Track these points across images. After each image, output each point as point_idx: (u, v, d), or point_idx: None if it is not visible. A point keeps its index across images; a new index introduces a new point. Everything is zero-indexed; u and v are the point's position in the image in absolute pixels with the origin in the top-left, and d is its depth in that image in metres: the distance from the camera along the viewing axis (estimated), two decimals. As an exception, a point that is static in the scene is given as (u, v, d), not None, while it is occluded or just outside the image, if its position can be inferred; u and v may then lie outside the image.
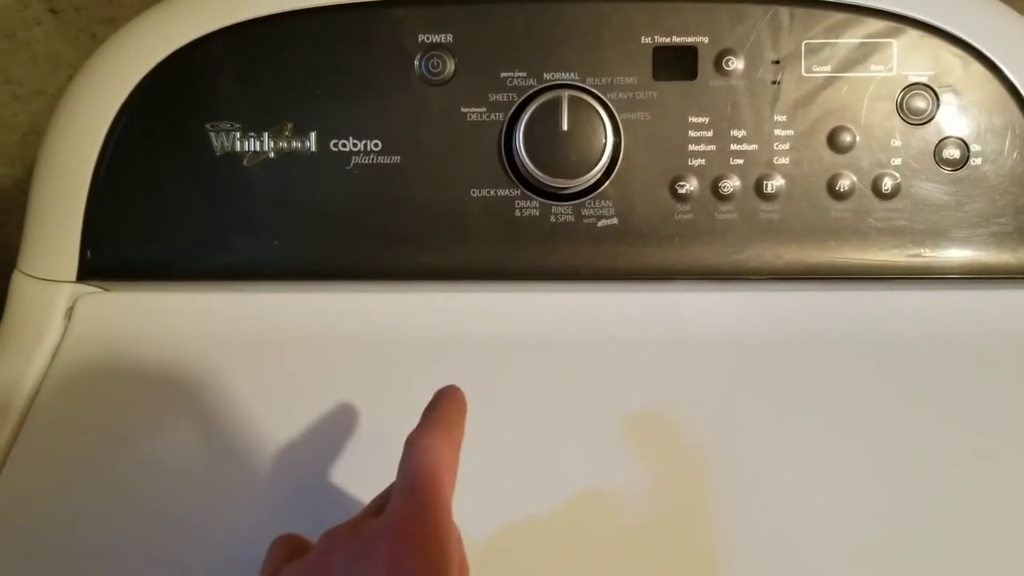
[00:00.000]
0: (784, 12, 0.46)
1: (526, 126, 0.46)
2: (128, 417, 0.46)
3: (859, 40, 0.46)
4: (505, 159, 0.47)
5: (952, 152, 0.46)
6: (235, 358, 0.47)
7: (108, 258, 0.48)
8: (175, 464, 0.44)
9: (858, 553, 0.40)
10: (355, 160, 0.47)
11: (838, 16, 0.46)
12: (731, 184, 0.46)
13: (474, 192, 0.47)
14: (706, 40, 0.46)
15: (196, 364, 0.47)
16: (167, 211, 0.48)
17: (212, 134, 0.47)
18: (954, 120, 0.46)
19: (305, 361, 0.47)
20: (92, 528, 0.42)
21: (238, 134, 0.47)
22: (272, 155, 0.47)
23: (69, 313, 0.49)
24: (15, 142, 0.91)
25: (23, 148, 0.90)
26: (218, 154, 0.47)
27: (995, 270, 0.47)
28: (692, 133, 0.46)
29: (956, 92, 0.46)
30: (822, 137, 0.46)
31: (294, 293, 0.49)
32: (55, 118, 0.49)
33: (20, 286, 0.49)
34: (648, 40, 0.46)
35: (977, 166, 0.46)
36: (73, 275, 0.48)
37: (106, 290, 0.49)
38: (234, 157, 0.47)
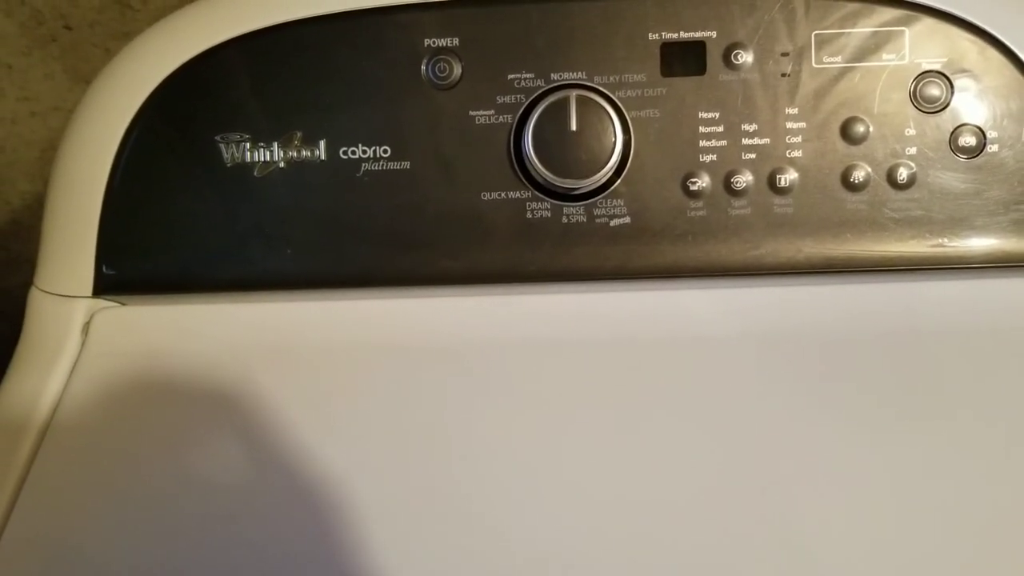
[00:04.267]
0: (793, 3, 0.45)
1: (535, 127, 0.45)
2: (148, 430, 0.46)
3: (871, 29, 0.45)
4: (515, 161, 0.46)
5: (968, 139, 0.45)
6: (254, 368, 0.47)
7: (123, 272, 0.48)
8: (198, 477, 0.44)
9: (889, 554, 0.40)
10: (365, 167, 0.47)
11: (849, 6, 0.45)
12: (744, 179, 0.46)
13: (485, 195, 0.47)
14: (714, 34, 0.46)
15: (215, 376, 0.47)
16: (181, 223, 0.48)
17: (222, 145, 0.47)
18: (969, 107, 0.45)
19: (325, 369, 0.47)
20: (114, 544, 0.42)
21: (248, 144, 0.47)
22: (282, 164, 0.47)
23: (86, 328, 0.49)
24: (35, 158, 0.92)
25: (43, 164, 0.91)
26: (229, 165, 0.47)
27: (1017, 258, 0.46)
28: (703, 129, 0.46)
29: (971, 78, 0.45)
30: (835, 128, 0.46)
31: (310, 302, 0.49)
32: (68, 132, 0.49)
33: (36, 302, 0.50)
34: (655, 36, 0.46)
35: (994, 153, 0.45)
36: (89, 290, 0.48)
37: (122, 304, 0.50)
38: (244, 168, 0.47)
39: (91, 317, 0.49)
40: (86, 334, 0.49)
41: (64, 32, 0.83)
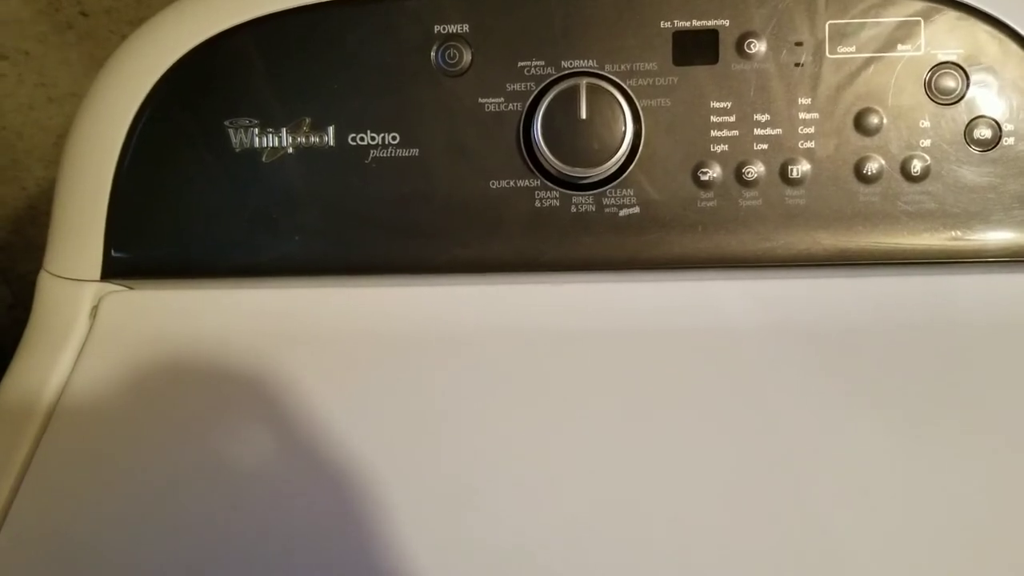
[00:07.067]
0: (808, -8, 0.45)
1: (544, 115, 0.45)
2: (154, 415, 0.46)
3: (887, 20, 0.45)
4: (524, 149, 0.46)
5: (983, 132, 0.45)
6: (261, 355, 0.47)
7: (132, 256, 0.48)
8: (201, 462, 0.44)
9: (905, 545, 0.39)
10: (373, 154, 0.47)
11: (866, -4, 0.45)
12: (755, 170, 0.45)
13: (493, 184, 0.46)
14: (727, 23, 0.45)
15: (222, 362, 0.47)
16: (189, 209, 0.48)
17: (231, 131, 0.47)
18: (985, 99, 0.45)
19: (332, 355, 0.47)
20: (118, 530, 0.42)
21: (256, 130, 0.47)
22: (291, 151, 0.47)
23: (94, 312, 0.49)
24: (51, 144, 0.92)
25: (59, 150, 0.91)
26: (237, 150, 0.47)
27: (1032, 253, 0.45)
28: (714, 118, 0.45)
29: (987, 70, 0.45)
30: (848, 120, 0.45)
31: (318, 288, 0.49)
32: (79, 115, 0.49)
33: (46, 286, 0.50)
34: (668, 24, 0.45)
35: (1010, 146, 0.45)
36: (97, 274, 0.49)
37: (130, 288, 0.50)
38: (253, 153, 0.47)
39: (99, 301, 0.49)
40: (94, 318, 0.49)
41: (80, 18, 0.83)
